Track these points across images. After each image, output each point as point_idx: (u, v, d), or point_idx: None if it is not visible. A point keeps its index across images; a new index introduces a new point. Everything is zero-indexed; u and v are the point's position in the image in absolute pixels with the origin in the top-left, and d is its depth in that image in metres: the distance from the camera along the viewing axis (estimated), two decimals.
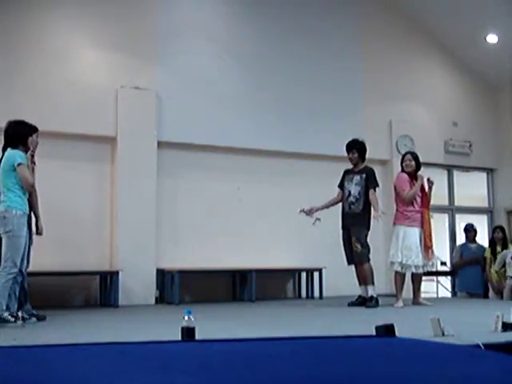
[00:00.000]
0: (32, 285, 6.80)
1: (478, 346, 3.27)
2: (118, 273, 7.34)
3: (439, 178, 10.61)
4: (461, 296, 8.98)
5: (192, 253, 8.15)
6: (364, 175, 6.97)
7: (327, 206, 7.24)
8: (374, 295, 6.83)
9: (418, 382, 2.37)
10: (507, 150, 10.58)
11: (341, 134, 9.23)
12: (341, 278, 8.24)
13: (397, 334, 3.67)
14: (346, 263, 7.13)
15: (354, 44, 9.60)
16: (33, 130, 5.44)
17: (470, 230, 9.19)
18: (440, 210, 10.68)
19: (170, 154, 8.27)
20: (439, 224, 10.50)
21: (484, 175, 11.02)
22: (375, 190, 6.95)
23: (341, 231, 7.10)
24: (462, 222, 10.22)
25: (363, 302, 6.81)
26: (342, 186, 7.17)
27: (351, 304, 6.89)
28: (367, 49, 9.67)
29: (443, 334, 3.76)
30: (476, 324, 4.66)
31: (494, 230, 8.98)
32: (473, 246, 9.09)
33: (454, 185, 10.65)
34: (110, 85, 7.94)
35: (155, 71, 8.30)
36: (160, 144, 8.11)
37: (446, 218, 10.65)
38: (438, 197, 10.60)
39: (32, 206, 5.54)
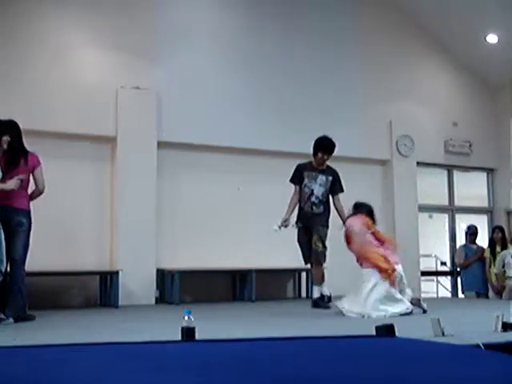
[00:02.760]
0: (32, 285, 6.81)
1: (478, 346, 3.27)
2: (117, 273, 7.34)
3: (439, 178, 10.65)
4: (469, 296, 8.90)
5: (192, 253, 8.15)
6: (330, 178, 6.60)
7: (293, 210, 6.60)
8: (329, 294, 6.57)
9: (418, 382, 2.37)
10: (507, 150, 10.58)
11: (341, 133, 9.24)
12: (341, 278, 8.23)
13: (397, 333, 3.68)
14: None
15: (354, 44, 9.60)
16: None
17: (474, 233, 9.14)
18: (440, 209, 10.70)
19: (170, 154, 8.27)
20: (439, 224, 10.52)
21: (484, 175, 11.02)
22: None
23: (296, 229, 6.62)
24: (462, 222, 10.23)
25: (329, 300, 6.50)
26: (299, 182, 6.60)
27: (316, 306, 6.51)
28: (367, 49, 9.67)
29: (443, 334, 3.76)
30: (476, 324, 4.66)
31: (494, 230, 8.99)
32: (474, 246, 9.08)
33: (454, 185, 10.65)
34: (110, 85, 7.94)
35: (155, 71, 8.30)
36: (160, 144, 8.11)
37: (445, 218, 10.66)
38: (438, 197, 10.64)
39: None
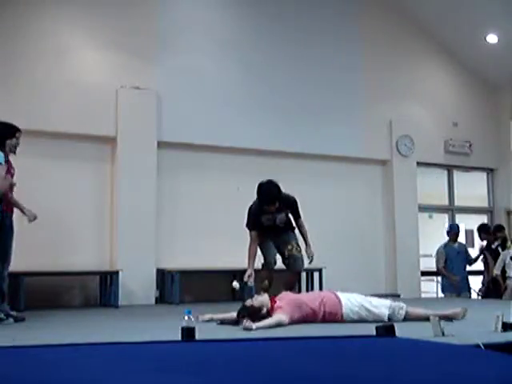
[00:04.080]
0: (31, 285, 6.83)
1: (478, 346, 3.27)
2: (117, 273, 7.34)
3: (439, 178, 10.66)
4: (450, 296, 8.70)
5: (192, 253, 8.14)
6: (288, 210, 5.93)
7: (255, 261, 5.86)
8: None
9: (418, 382, 2.37)
10: (507, 150, 10.58)
11: (341, 133, 9.27)
12: (341, 278, 8.25)
13: (397, 334, 3.68)
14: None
15: (354, 44, 9.59)
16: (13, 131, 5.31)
17: (457, 232, 8.87)
18: (440, 209, 10.70)
19: (170, 153, 8.27)
20: (439, 224, 10.51)
21: (484, 175, 11.02)
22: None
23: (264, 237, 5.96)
24: (462, 221, 10.22)
25: None
26: (256, 226, 5.87)
27: None
28: (367, 49, 9.67)
29: (443, 334, 3.76)
30: (476, 324, 4.66)
31: (499, 229, 8.90)
32: (455, 245, 8.84)
33: (454, 185, 10.65)
34: (110, 85, 7.93)
35: (155, 71, 8.30)
36: (160, 144, 8.11)
37: (445, 217, 10.66)
38: (438, 197, 10.64)
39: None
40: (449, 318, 4.77)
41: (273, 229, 5.88)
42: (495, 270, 8.26)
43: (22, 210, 5.34)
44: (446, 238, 8.94)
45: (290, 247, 5.85)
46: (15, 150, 5.30)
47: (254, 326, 4.39)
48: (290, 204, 5.93)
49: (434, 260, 10.43)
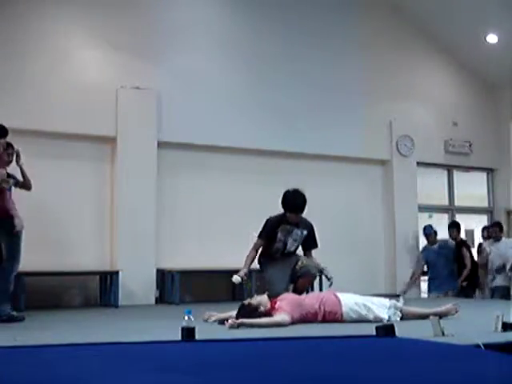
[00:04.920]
0: (31, 285, 6.82)
1: (478, 346, 3.27)
2: (117, 273, 7.33)
3: (439, 178, 10.65)
4: (437, 297, 8.51)
5: (192, 253, 8.14)
6: (305, 232, 5.84)
7: (251, 264, 5.86)
8: None
9: (418, 382, 2.37)
10: (507, 149, 10.58)
11: (341, 133, 9.27)
12: (340, 278, 8.22)
13: (397, 334, 3.68)
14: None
15: (354, 44, 9.58)
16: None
17: (431, 234, 8.85)
18: (440, 209, 10.69)
19: (170, 154, 8.26)
20: (439, 224, 10.51)
21: (484, 175, 11.02)
22: None
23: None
24: (462, 221, 10.21)
25: None
26: (267, 239, 5.80)
27: None
28: (368, 49, 9.66)
29: (443, 334, 3.76)
30: (476, 324, 4.66)
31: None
32: (435, 247, 8.81)
33: (454, 185, 10.65)
34: (110, 85, 7.93)
35: (155, 71, 8.29)
36: (160, 144, 8.11)
37: (445, 217, 10.66)
38: (438, 197, 10.63)
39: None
40: (442, 315, 4.81)
41: (282, 254, 5.79)
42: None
43: (13, 216, 5.36)
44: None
45: (300, 263, 5.77)
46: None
47: (239, 321, 4.43)
48: (309, 226, 5.88)
49: None
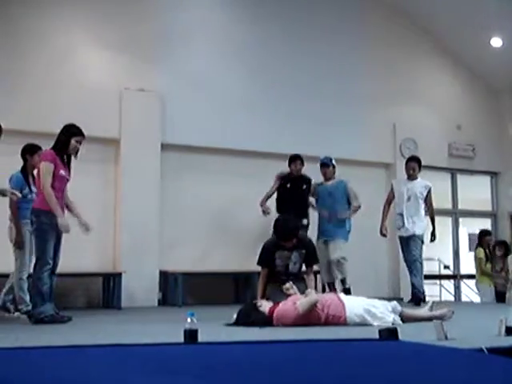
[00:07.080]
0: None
1: (481, 350, 3.26)
2: (120, 274, 7.34)
3: (443, 182, 10.63)
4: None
5: (195, 255, 8.14)
6: (304, 251, 5.85)
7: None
8: None
9: None
10: (511, 153, 10.56)
11: (345, 137, 9.26)
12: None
13: (400, 337, 3.67)
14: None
15: (358, 48, 9.60)
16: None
17: (323, 165, 7.66)
18: (443, 213, 10.67)
19: (174, 156, 8.27)
20: (442, 228, 10.49)
21: (488, 179, 11.01)
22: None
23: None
24: (465, 225, 10.21)
25: None
26: (267, 265, 5.82)
27: None
28: (371, 53, 9.67)
29: (446, 338, 3.75)
30: (479, 328, 4.65)
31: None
32: (328, 184, 7.81)
33: (458, 188, 10.63)
34: (114, 87, 7.95)
35: (159, 73, 8.31)
36: (164, 146, 8.12)
37: (449, 221, 10.64)
38: (442, 200, 10.61)
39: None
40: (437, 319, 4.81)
41: (285, 275, 5.74)
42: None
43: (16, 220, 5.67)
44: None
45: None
46: None
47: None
48: (307, 244, 5.93)
49: (437, 264, 10.38)
